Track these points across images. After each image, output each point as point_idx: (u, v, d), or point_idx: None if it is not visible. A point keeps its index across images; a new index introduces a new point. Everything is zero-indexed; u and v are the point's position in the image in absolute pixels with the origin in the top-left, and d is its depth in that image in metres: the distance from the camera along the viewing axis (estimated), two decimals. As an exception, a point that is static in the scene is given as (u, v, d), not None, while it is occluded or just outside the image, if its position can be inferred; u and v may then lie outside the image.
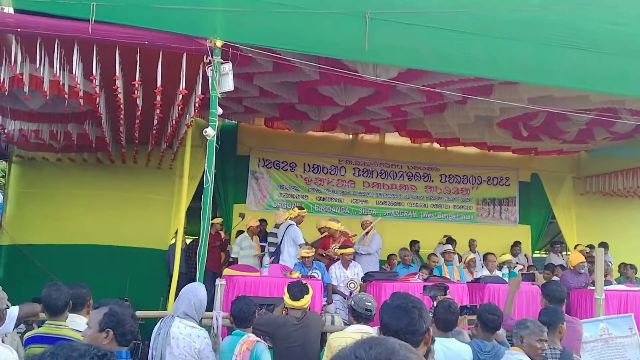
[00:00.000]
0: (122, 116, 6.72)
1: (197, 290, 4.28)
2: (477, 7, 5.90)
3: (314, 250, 8.04)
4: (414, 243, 10.78)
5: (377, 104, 8.88)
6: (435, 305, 4.52)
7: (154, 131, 7.73)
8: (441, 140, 11.66)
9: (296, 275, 6.91)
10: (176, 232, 8.81)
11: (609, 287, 7.60)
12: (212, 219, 10.36)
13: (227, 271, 6.88)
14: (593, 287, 6.12)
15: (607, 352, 5.04)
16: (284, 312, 5.09)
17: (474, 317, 4.69)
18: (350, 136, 11.99)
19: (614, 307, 7.13)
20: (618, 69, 6.38)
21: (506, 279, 7.86)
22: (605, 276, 7.46)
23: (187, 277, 7.96)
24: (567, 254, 11.65)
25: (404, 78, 7.10)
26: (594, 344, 5.04)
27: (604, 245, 10.32)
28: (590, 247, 10.43)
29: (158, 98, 5.78)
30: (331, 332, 4.51)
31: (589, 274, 8.51)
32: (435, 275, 8.24)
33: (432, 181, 12.23)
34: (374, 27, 5.53)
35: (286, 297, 4.95)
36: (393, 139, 11.96)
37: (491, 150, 12.12)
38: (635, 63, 6.37)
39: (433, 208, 12.16)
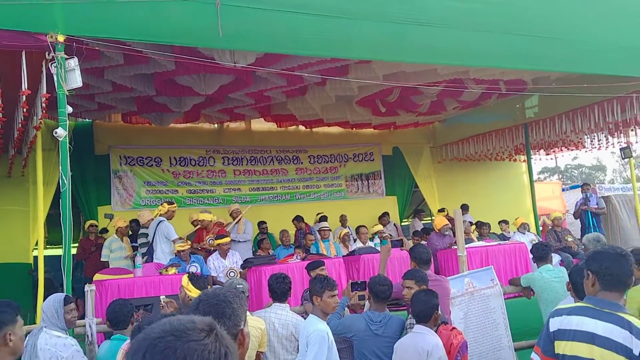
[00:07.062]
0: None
1: (61, 299, 4.17)
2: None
3: (189, 243, 7.86)
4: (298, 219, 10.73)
5: (239, 90, 8.81)
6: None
7: (-1, 137, 7.09)
8: (306, 122, 11.86)
9: (172, 271, 6.72)
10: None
11: (470, 245, 8.21)
12: (85, 224, 9.82)
13: (97, 276, 6.53)
14: (457, 247, 6.56)
15: (473, 304, 5.39)
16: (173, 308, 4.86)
17: (364, 292, 4.78)
18: (216, 125, 11.82)
19: (476, 262, 7.71)
20: (462, 42, 6.81)
21: (378, 248, 8.20)
22: (466, 235, 8.06)
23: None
24: (431, 219, 12.40)
25: (262, 63, 7.09)
26: (462, 298, 5.37)
27: (464, 207, 11.13)
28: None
29: (-2, 101, 5.30)
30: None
31: (453, 235, 9.11)
32: (312, 253, 8.41)
33: (302, 163, 12.44)
34: (226, 13, 5.42)
35: (192, 290, 4.71)
36: (259, 124, 11.97)
37: (354, 128, 12.59)
38: (477, 36, 6.84)
39: (305, 189, 12.38)
